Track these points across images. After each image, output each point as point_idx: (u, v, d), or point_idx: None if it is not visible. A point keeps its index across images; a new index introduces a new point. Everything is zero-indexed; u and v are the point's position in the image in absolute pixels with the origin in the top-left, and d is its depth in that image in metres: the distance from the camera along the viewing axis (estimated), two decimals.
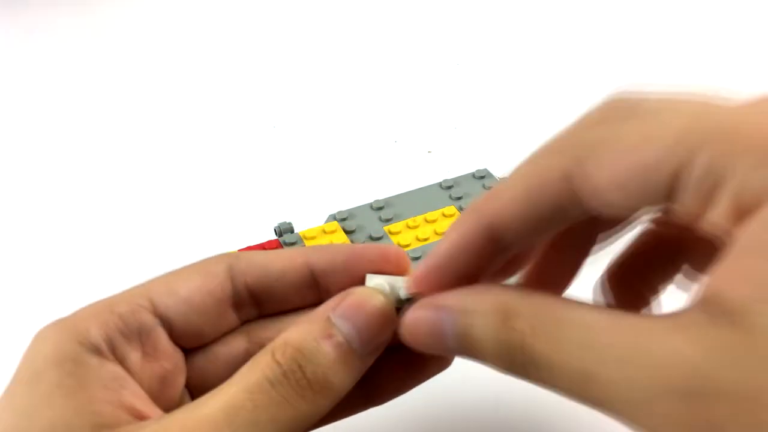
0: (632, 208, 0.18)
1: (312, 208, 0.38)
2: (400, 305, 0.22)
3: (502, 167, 0.42)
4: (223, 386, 0.20)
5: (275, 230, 0.35)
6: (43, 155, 0.46)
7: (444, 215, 0.36)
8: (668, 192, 0.17)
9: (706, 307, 0.15)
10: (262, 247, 0.33)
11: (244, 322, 0.24)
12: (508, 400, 0.30)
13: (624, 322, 0.16)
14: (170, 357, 0.23)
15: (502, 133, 0.48)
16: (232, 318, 0.23)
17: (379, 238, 0.34)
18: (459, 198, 0.37)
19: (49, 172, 0.44)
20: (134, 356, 0.22)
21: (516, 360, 0.18)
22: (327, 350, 0.20)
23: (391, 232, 0.35)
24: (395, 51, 0.59)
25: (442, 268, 0.21)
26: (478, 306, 0.19)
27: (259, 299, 0.24)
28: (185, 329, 0.23)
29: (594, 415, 0.17)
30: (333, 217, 0.35)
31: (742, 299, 0.14)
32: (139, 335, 0.22)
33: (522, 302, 0.18)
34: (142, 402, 0.21)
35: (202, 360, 0.24)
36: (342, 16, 0.65)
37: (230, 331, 0.24)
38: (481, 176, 0.39)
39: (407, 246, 0.34)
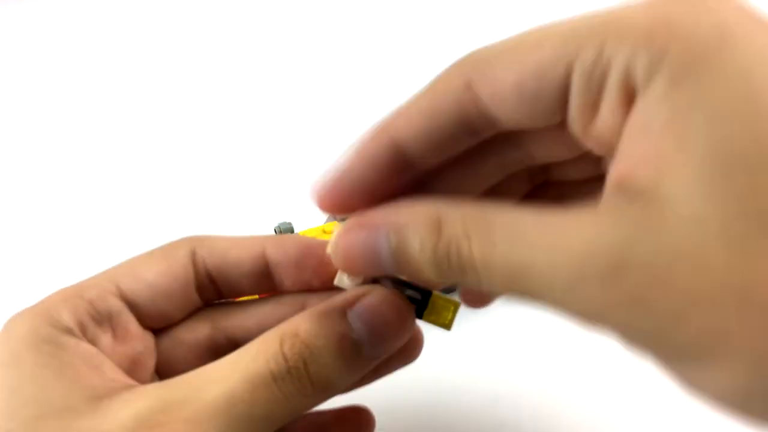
0: (530, 114, 0.18)
1: (312, 208, 0.38)
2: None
3: None
4: (224, 366, 0.20)
5: (275, 230, 0.35)
6: (40, 160, 0.46)
7: None
8: (561, 94, 0.17)
9: (617, 192, 0.15)
10: None
11: (208, 304, 0.24)
12: (508, 399, 0.30)
13: (548, 216, 0.16)
14: (140, 339, 0.23)
15: None
16: (195, 299, 0.24)
17: None
18: None
19: (48, 176, 0.45)
20: (105, 339, 0.22)
21: (453, 265, 0.17)
22: (335, 351, 0.20)
23: None
24: (394, 51, 0.59)
25: (345, 182, 0.20)
26: (410, 218, 0.18)
27: (218, 284, 0.24)
28: (152, 312, 0.23)
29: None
30: (333, 217, 0.36)
31: (647, 179, 0.15)
32: (108, 319, 0.23)
33: (451, 210, 0.18)
34: (124, 378, 0.21)
35: (168, 344, 0.24)
36: (342, 16, 0.65)
37: (194, 316, 0.24)
38: None
39: None
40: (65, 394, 0.20)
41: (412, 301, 0.22)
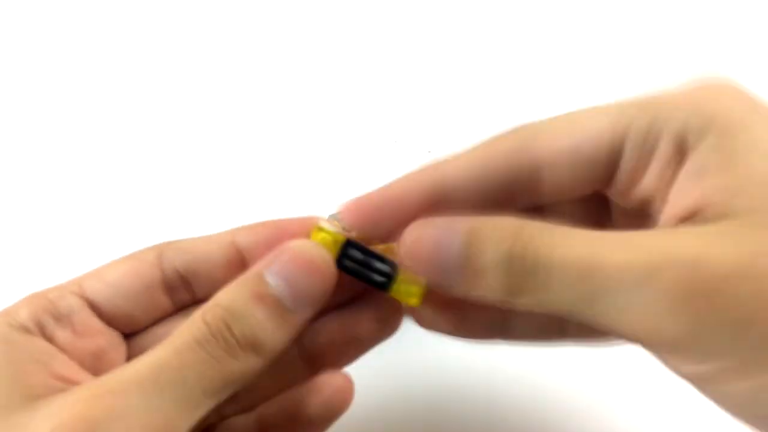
0: (580, 178, 0.20)
1: (312, 207, 0.38)
2: (342, 253, 0.22)
3: None
4: (154, 349, 0.21)
5: None
6: (41, 162, 0.46)
7: None
8: (613, 159, 0.19)
9: (692, 221, 0.18)
10: None
11: (181, 307, 0.25)
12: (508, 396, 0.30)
13: (618, 233, 0.18)
14: (103, 336, 0.24)
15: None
16: (165, 302, 0.25)
17: None
18: None
19: (47, 181, 0.45)
20: (64, 335, 0.23)
21: (527, 264, 0.18)
22: (256, 308, 0.21)
23: None
24: (394, 51, 0.59)
25: (378, 200, 0.22)
26: (489, 223, 0.19)
27: (190, 283, 0.25)
28: (113, 311, 0.24)
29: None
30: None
31: (723, 205, 0.17)
32: (68, 316, 0.24)
33: (530, 221, 0.19)
34: (74, 371, 0.22)
35: (144, 342, 0.25)
36: (344, 17, 0.65)
37: (169, 316, 0.25)
38: None
39: None
40: (5, 393, 0.21)
41: (381, 275, 0.22)
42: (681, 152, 0.18)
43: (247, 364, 0.20)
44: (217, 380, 0.20)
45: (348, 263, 0.22)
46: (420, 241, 0.20)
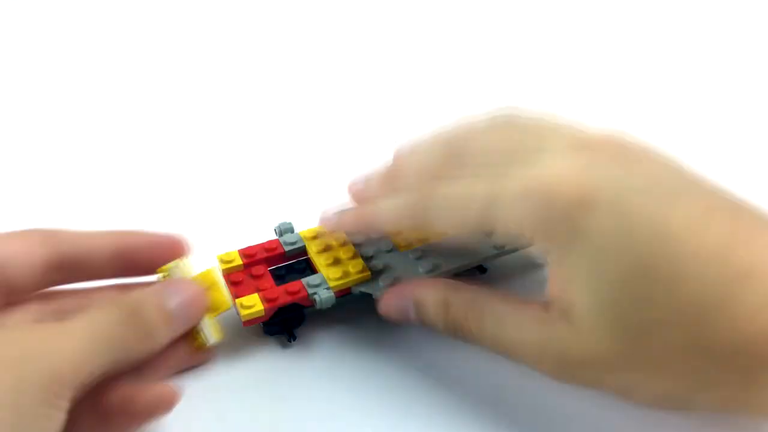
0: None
1: (312, 208, 0.38)
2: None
3: None
4: (73, 320, 0.26)
5: (275, 230, 0.35)
6: (43, 161, 0.46)
7: None
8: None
9: (551, 306, 0.26)
10: (264, 247, 0.34)
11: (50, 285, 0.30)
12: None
13: (520, 311, 0.27)
14: None
15: None
16: (41, 278, 0.29)
17: (379, 238, 0.34)
18: None
19: (51, 175, 0.45)
20: None
21: (457, 334, 0.29)
22: (156, 310, 0.27)
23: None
24: (394, 52, 0.59)
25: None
26: (427, 298, 0.30)
27: (70, 269, 0.30)
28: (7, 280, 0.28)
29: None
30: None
31: (563, 302, 0.26)
32: None
33: (456, 295, 0.29)
34: None
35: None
36: (344, 17, 0.65)
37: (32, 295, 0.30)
38: None
39: (408, 246, 0.34)
40: None
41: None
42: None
43: (138, 352, 0.27)
44: (117, 357, 0.26)
45: None
46: (390, 306, 0.31)
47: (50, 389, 0.23)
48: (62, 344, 0.24)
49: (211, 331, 0.30)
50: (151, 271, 0.31)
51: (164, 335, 0.28)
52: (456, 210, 0.28)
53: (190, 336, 0.30)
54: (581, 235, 0.24)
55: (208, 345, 0.30)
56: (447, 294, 0.29)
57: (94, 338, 0.25)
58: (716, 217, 0.25)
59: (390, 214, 0.30)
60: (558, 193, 0.25)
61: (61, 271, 0.30)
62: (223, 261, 0.32)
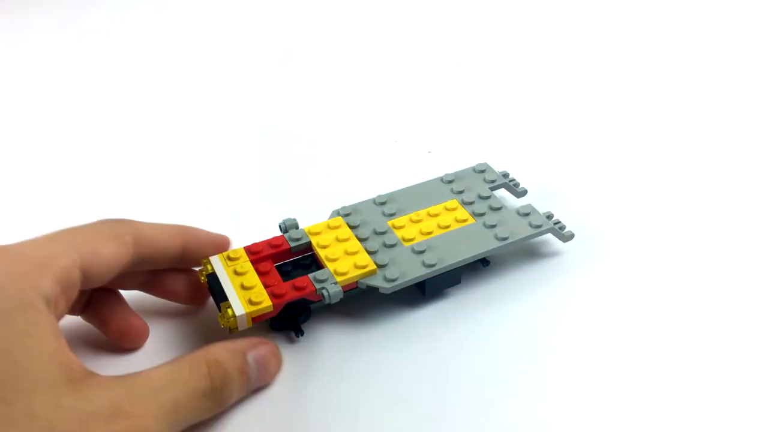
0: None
1: (316, 204, 0.38)
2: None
3: (500, 165, 0.42)
4: (167, 375, 0.25)
5: (280, 226, 0.35)
6: (45, 158, 0.46)
7: (446, 209, 0.36)
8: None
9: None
10: (269, 243, 0.34)
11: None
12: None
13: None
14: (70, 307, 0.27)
15: (499, 133, 0.49)
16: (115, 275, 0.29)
17: (383, 233, 0.34)
18: (461, 192, 0.37)
19: (46, 176, 0.45)
20: (61, 308, 0.25)
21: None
22: (239, 380, 0.28)
23: (395, 227, 0.35)
24: (395, 52, 0.60)
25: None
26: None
27: (141, 262, 0.30)
28: (94, 281, 0.27)
29: None
30: (337, 213, 0.36)
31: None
32: (69, 289, 0.26)
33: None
34: (67, 351, 0.24)
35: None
36: (345, 18, 0.65)
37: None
38: (482, 170, 0.39)
39: (411, 240, 0.34)
40: (47, 369, 0.22)
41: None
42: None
43: (213, 411, 0.27)
44: (196, 420, 0.26)
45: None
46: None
47: None
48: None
49: (245, 322, 0.30)
50: (198, 264, 0.33)
51: (237, 399, 0.29)
52: None
53: (220, 314, 0.30)
54: None
55: (234, 328, 0.30)
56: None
57: (173, 418, 0.25)
58: None
59: None
60: None
61: (132, 266, 0.30)
62: (229, 258, 0.32)
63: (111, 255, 0.27)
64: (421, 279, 0.32)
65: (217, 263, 0.32)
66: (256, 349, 0.29)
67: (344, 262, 0.32)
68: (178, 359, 0.26)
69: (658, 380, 0.30)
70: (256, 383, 0.29)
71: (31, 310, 0.23)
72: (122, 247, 0.28)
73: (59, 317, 0.25)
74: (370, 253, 0.33)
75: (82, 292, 0.28)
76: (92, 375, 0.24)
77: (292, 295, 0.31)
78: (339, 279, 0.32)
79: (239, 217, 0.40)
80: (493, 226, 0.35)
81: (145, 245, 0.29)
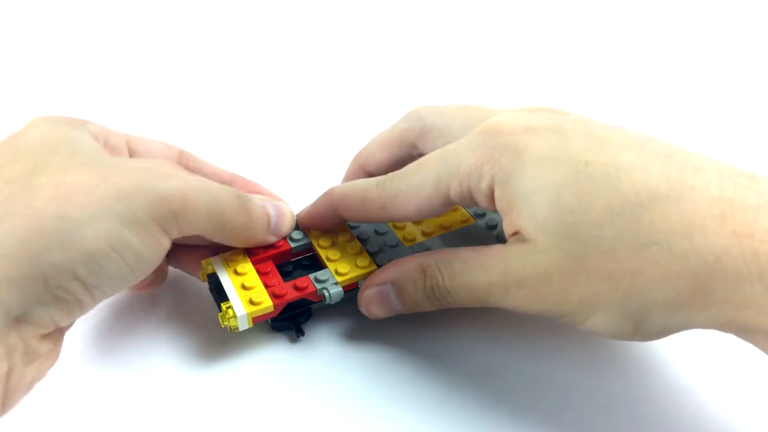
0: (433, 214, 0.30)
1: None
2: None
3: None
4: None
5: None
6: None
7: None
8: (446, 207, 0.30)
9: (513, 240, 0.26)
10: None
11: None
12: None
13: (482, 254, 0.27)
14: None
15: None
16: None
17: (384, 233, 0.34)
18: None
19: None
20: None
21: (436, 297, 0.29)
22: (260, 208, 0.31)
23: (396, 227, 0.35)
24: (395, 52, 0.60)
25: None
26: (403, 272, 0.30)
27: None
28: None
29: None
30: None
31: (526, 230, 0.26)
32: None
33: (428, 257, 0.29)
34: None
35: None
36: (346, 16, 0.65)
37: None
38: None
39: (412, 240, 0.34)
40: (94, 151, 0.29)
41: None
42: (490, 198, 0.27)
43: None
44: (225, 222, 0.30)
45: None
46: (371, 300, 0.30)
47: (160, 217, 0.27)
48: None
49: (246, 322, 0.30)
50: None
51: (259, 236, 0.32)
52: (414, 178, 0.29)
53: (221, 314, 0.30)
54: (523, 153, 0.26)
55: (234, 328, 0.30)
56: (420, 259, 0.29)
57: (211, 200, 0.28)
58: (657, 140, 0.26)
59: (355, 194, 0.31)
60: (506, 126, 0.27)
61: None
62: (230, 259, 0.32)
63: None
64: None
65: (217, 263, 0.32)
66: (274, 198, 0.35)
67: (345, 262, 0.32)
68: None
69: (658, 380, 0.30)
70: (275, 227, 0.32)
71: (101, 149, 0.30)
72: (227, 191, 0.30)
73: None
74: (371, 253, 0.33)
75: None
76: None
77: (292, 296, 0.31)
78: (340, 279, 0.32)
79: None
80: (493, 227, 0.35)
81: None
